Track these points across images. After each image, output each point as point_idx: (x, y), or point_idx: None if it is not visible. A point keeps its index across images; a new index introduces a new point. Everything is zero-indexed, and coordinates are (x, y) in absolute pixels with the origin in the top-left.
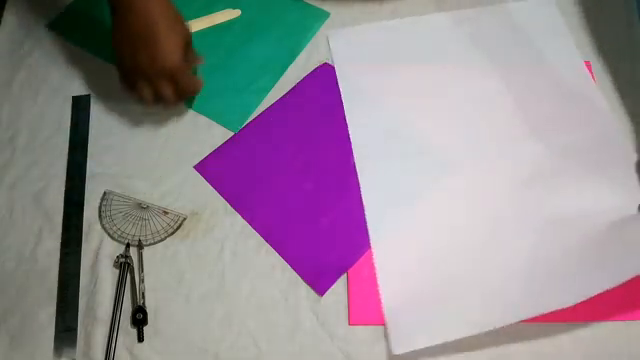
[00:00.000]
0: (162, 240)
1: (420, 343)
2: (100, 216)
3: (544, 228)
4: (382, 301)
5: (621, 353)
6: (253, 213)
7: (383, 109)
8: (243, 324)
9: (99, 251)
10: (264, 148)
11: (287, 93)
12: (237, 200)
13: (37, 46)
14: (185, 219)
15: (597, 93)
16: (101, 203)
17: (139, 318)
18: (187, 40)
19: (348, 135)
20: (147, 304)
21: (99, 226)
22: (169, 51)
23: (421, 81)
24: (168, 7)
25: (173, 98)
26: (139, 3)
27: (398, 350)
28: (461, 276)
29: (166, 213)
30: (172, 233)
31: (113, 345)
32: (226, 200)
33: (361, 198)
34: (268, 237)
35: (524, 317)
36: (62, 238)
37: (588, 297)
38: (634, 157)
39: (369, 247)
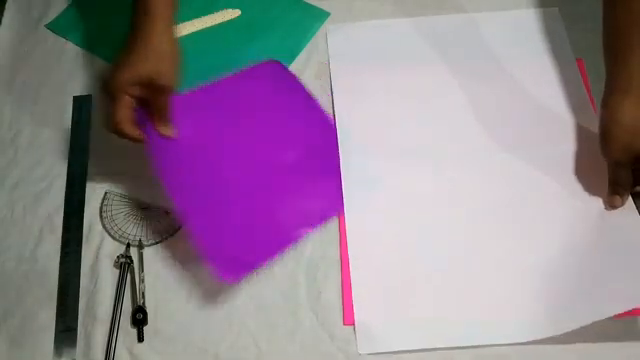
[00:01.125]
0: (163, 240)
1: (384, 347)
2: (101, 216)
3: (531, 245)
4: (353, 300)
5: (618, 352)
6: (179, 192)
7: (373, 108)
8: (243, 324)
9: (99, 251)
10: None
11: (232, 76)
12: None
13: (37, 46)
14: None
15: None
16: (102, 203)
17: (139, 318)
18: (148, 77)
19: (276, 132)
20: (147, 304)
21: (100, 226)
22: (120, 64)
23: (415, 82)
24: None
25: (108, 123)
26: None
27: (363, 350)
28: (435, 288)
29: (167, 213)
30: (173, 233)
31: (113, 345)
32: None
33: (279, 197)
34: (186, 221)
35: (492, 343)
36: (63, 238)
37: (565, 331)
38: None
39: (282, 248)
